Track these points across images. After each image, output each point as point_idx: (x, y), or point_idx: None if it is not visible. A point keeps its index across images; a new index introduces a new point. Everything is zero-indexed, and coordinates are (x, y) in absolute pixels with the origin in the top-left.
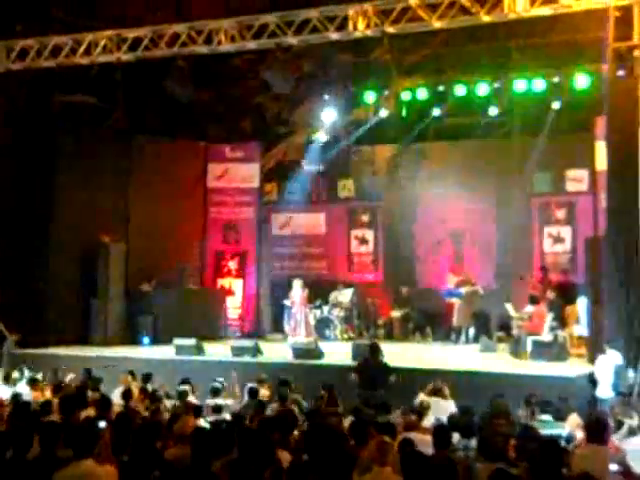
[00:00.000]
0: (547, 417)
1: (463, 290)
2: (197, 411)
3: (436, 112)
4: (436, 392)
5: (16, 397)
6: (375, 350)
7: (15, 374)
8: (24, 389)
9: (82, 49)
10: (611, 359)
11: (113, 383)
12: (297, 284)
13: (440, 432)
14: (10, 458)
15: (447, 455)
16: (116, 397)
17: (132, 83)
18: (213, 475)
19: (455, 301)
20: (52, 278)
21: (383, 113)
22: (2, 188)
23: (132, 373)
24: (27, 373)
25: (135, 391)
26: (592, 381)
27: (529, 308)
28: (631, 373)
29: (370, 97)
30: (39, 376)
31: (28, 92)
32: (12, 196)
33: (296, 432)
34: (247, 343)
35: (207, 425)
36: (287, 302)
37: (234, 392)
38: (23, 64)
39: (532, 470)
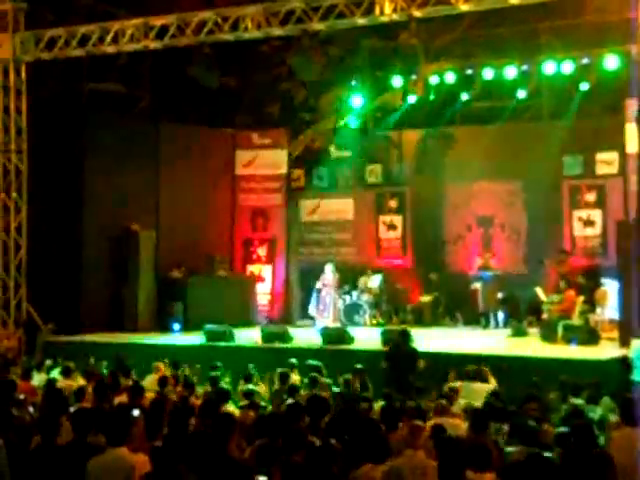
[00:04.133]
0: (579, 401)
1: (485, 274)
2: (225, 397)
3: (464, 96)
4: (475, 376)
5: (50, 384)
6: (406, 336)
7: (48, 362)
8: (57, 377)
9: (109, 37)
10: None
11: (145, 370)
12: (329, 268)
13: (477, 416)
14: (38, 445)
15: (481, 439)
16: (148, 384)
17: (160, 71)
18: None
19: (477, 286)
20: (84, 266)
21: (411, 98)
22: (34, 176)
23: (171, 362)
24: (60, 361)
25: (168, 378)
26: (626, 364)
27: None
28: None
29: (397, 82)
30: (71, 364)
31: (58, 80)
32: (43, 185)
33: (326, 418)
34: (277, 329)
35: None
36: (319, 284)
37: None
38: (52, 53)
39: (565, 454)
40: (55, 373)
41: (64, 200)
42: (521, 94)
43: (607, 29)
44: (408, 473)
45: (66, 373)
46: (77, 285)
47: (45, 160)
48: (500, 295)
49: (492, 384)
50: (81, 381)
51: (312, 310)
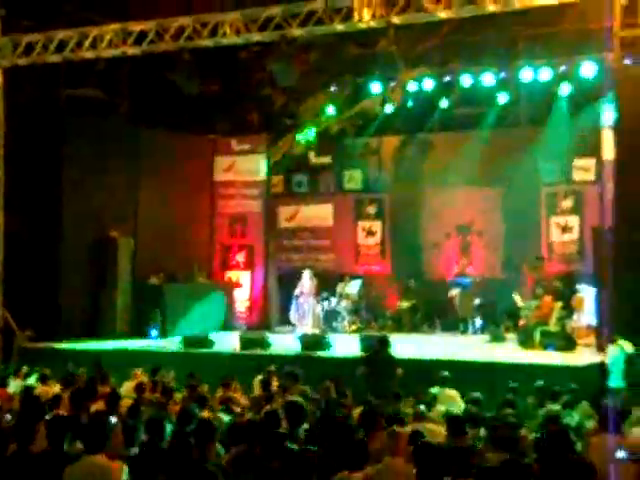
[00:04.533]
0: (556, 407)
1: (462, 281)
2: (202, 403)
3: (443, 103)
4: (444, 382)
5: (27, 391)
6: (384, 343)
7: (24, 368)
8: (34, 384)
9: (88, 43)
10: (621, 348)
11: (122, 376)
12: (307, 275)
13: (455, 422)
14: (14, 452)
15: (460, 445)
16: (125, 390)
17: (139, 76)
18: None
19: (455, 293)
20: (62, 273)
21: (390, 105)
22: (11, 182)
23: (149, 369)
24: (36, 368)
25: (145, 385)
26: (602, 370)
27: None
28: None
29: (376, 88)
30: (48, 371)
31: (36, 86)
32: (21, 191)
33: (304, 424)
34: (256, 335)
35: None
36: (297, 291)
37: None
38: (29, 59)
39: (541, 459)
40: (32, 380)
41: (42, 206)
42: (499, 101)
43: (584, 36)
44: (386, 479)
45: (43, 380)
46: (55, 291)
47: (23, 166)
48: (477, 301)
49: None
50: (57, 388)
51: (292, 317)
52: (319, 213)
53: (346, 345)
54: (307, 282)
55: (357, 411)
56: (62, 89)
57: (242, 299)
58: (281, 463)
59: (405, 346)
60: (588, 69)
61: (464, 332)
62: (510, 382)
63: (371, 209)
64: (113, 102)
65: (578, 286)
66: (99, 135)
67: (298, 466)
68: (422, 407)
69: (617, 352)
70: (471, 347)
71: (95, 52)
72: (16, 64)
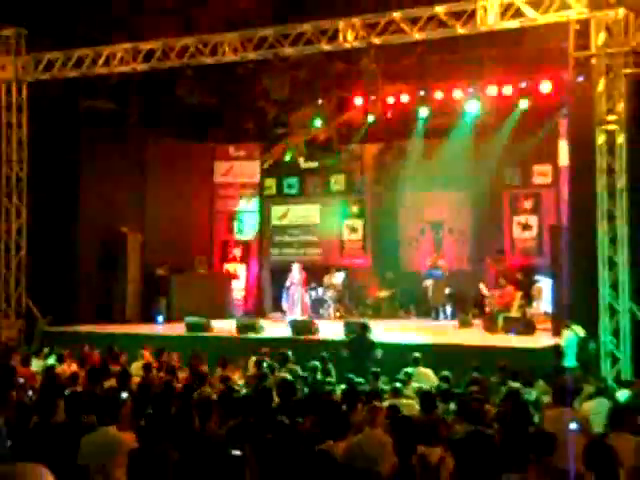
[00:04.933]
0: (517, 384)
1: (433, 272)
2: (202, 380)
3: (421, 113)
4: (417, 363)
5: (48, 370)
6: (365, 328)
7: (45, 350)
8: (54, 363)
9: (102, 60)
10: (575, 333)
11: (132, 357)
12: (296, 267)
13: (426, 398)
14: (36, 424)
15: (431, 418)
16: (134, 369)
17: (147, 90)
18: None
19: (428, 284)
20: (78, 265)
21: (371, 116)
22: (33, 183)
23: (155, 350)
24: (56, 349)
25: (152, 364)
26: (557, 352)
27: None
28: (592, 345)
29: (359, 101)
30: (66, 351)
31: (56, 98)
32: (42, 192)
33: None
34: (250, 321)
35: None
36: (287, 282)
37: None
38: (50, 74)
39: (503, 430)
40: (52, 360)
41: (60, 205)
42: (467, 113)
43: (542, 57)
44: (367, 448)
45: (60, 360)
46: (72, 281)
47: (43, 170)
48: (448, 291)
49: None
50: (75, 367)
51: (284, 305)
52: (308, 212)
53: (331, 330)
54: (296, 274)
55: (341, 388)
56: (79, 101)
57: (238, 289)
58: (273, 434)
59: (383, 331)
60: (546, 85)
61: (436, 318)
62: (476, 363)
63: (354, 209)
64: (124, 112)
65: (537, 277)
66: (112, 142)
67: (288, 436)
68: (398, 384)
69: (571, 336)
70: (442, 332)
71: (108, 68)
72: (38, 79)
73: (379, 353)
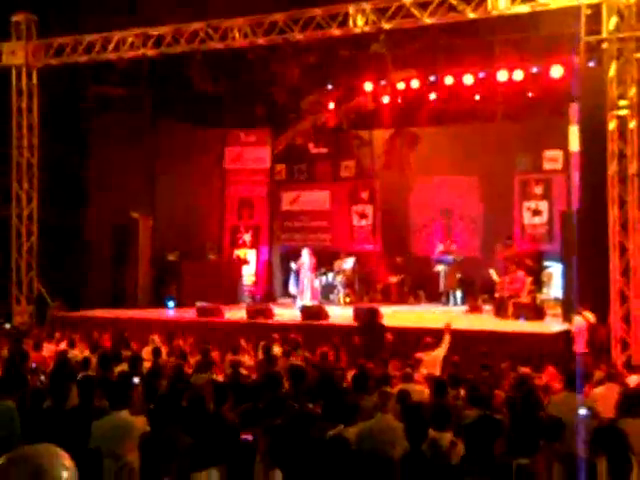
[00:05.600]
0: (527, 370)
1: (446, 258)
2: (208, 366)
3: (428, 100)
4: (428, 347)
5: (60, 355)
6: (375, 314)
7: (57, 335)
8: (65, 348)
9: (112, 46)
10: (585, 319)
11: (142, 342)
12: (306, 253)
13: (437, 384)
14: (49, 408)
15: (442, 403)
16: (146, 354)
17: (158, 74)
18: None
19: (440, 269)
20: (89, 250)
21: (381, 101)
22: (45, 168)
23: (166, 335)
24: (67, 333)
25: (162, 349)
26: (568, 338)
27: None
28: (603, 330)
29: (369, 87)
30: (77, 336)
31: (66, 83)
32: (52, 177)
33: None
34: (261, 306)
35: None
36: (293, 266)
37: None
38: (60, 59)
39: (512, 415)
40: (63, 345)
41: (71, 190)
42: (478, 98)
43: (553, 41)
44: (378, 433)
45: (71, 345)
46: (83, 266)
47: (54, 155)
48: (458, 276)
49: (442, 348)
50: (86, 352)
51: (292, 289)
52: (318, 198)
53: (341, 315)
54: (306, 259)
55: (351, 373)
56: (89, 86)
57: (249, 274)
58: (284, 419)
59: (393, 316)
60: (557, 70)
61: (446, 304)
62: (486, 348)
63: (364, 195)
64: (134, 98)
65: (547, 263)
66: (122, 128)
67: (298, 422)
68: (409, 369)
69: (581, 322)
70: (452, 317)
71: (118, 54)
72: (48, 64)
73: (390, 337)
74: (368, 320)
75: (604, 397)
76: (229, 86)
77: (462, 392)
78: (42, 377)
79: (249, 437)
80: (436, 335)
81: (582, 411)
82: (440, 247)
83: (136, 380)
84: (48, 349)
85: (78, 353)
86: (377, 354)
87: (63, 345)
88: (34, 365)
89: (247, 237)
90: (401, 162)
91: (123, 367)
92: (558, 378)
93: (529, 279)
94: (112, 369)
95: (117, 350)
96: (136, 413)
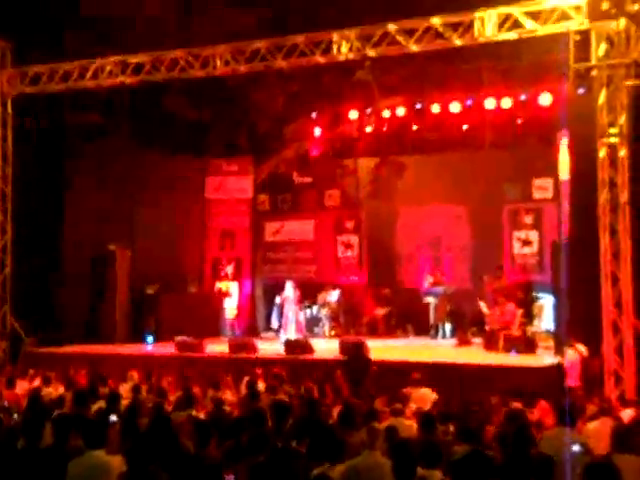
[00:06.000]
0: (518, 404)
1: (437, 290)
2: (189, 403)
3: (414, 128)
4: (417, 382)
5: (34, 392)
6: (361, 347)
7: (31, 371)
8: (39, 385)
9: (89, 74)
10: (578, 352)
11: (120, 378)
12: (289, 285)
13: (426, 420)
14: (23, 447)
15: (431, 440)
16: (123, 391)
17: (137, 103)
18: (211, 460)
19: (430, 301)
20: (64, 283)
21: (366, 129)
22: (18, 200)
23: (145, 371)
24: (42, 370)
25: (142, 386)
26: (560, 371)
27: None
28: (595, 364)
29: (354, 115)
30: (52, 373)
31: (42, 112)
32: (27, 208)
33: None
34: (243, 340)
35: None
36: (277, 300)
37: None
38: (36, 88)
39: (504, 451)
40: (37, 382)
41: (46, 222)
42: (465, 126)
43: (541, 69)
44: (366, 471)
45: (47, 382)
46: (58, 300)
47: (29, 185)
48: (448, 308)
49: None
50: (61, 389)
51: (274, 323)
52: (302, 228)
53: (327, 349)
54: (290, 292)
55: (337, 409)
56: (66, 115)
57: (230, 307)
58: (267, 457)
59: (380, 350)
60: (546, 98)
61: (434, 337)
62: (476, 382)
63: (349, 224)
64: (113, 126)
65: (538, 294)
66: (99, 157)
67: (282, 460)
68: (399, 405)
69: (574, 355)
70: (441, 350)
71: (96, 82)
72: (23, 92)
73: (375, 369)
74: (354, 353)
75: (597, 432)
76: (210, 114)
77: (452, 428)
78: (15, 416)
79: (231, 477)
80: (424, 370)
81: (575, 447)
82: (430, 279)
83: (113, 418)
84: (21, 386)
85: (53, 390)
86: (363, 388)
87: (37, 382)
88: (6, 403)
89: (229, 269)
90: (387, 191)
91: (100, 405)
92: (551, 413)
93: (520, 311)
94: (88, 407)
95: (93, 387)
96: (113, 452)
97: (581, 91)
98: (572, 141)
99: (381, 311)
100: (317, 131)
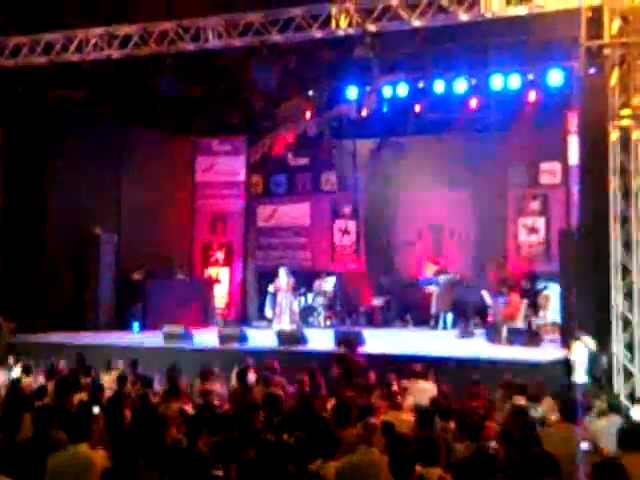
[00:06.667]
0: (522, 400)
1: (441, 278)
2: (177, 394)
3: (416, 108)
4: (417, 375)
5: (13, 382)
6: (357, 338)
7: (10, 360)
8: (19, 375)
9: (74, 46)
10: (585, 345)
11: (104, 368)
12: (283, 272)
13: (424, 414)
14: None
15: (430, 435)
16: (106, 382)
17: (123, 78)
18: (200, 455)
19: (433, 289)
20: (47, 268)
21: (365, 108)
22: (1, 179)
23: (130, 361)
24: (22, 359)
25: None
26: (567, 366)
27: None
28: (604, 358)
29: (353, 93)
30: (32, 362)
31: (23, 87)
32: (8, 190)
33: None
34: (234, 330)
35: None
36: (271, 288)
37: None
38: (16, 61)
39: (507, 450)
40: (17, 372)
41: (28, 204)
42: (470, 107)
43: (551, 46)
44: (362, 468)
45: (27, 371)
46: (41, 286)
47: (11, 165)
48: (452, 297)
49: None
50: (42, 379)
51: (268, 312)
52: (297, 213)
53: (322, 340)
54: (283, 279)
55: (331, 402)
56: (48, 91)
57: (221, 295)
58: (258, 452)
59: (378, 341)
60: (555, 77)
61: (434, 327)
62: (478, 376)
63: (347, 209)
64: (98, 102)
65: (544, 285)
66: (84, 135)
67: (273, 455)
68: (398, 398)
69: (581, 349)
70: (442, 342)
71: (81, 55)
72: (3, 65)
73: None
74: (350, 346)
75: (605, 430)
76: (201, 91)
77: (452, 424)
78: None
79: (219, 472)
80: (423, 362)
81: (583, 445)
82: (432, 267)
83: (96, 410)
84: (0, 376)
85: (33, 381)
86: (359, 381)
87: (17, 372)
88: None
89: (220, 255)
90: (387, 175)
91: (82, 396)
92: (556, 409)
93: (524, 302)
94: (70, 398)
95: (76, 377)
96: (96, 446)
97: (592, 70)
98: (582, 123)
99: (379, 300)
100: (314, 110)
